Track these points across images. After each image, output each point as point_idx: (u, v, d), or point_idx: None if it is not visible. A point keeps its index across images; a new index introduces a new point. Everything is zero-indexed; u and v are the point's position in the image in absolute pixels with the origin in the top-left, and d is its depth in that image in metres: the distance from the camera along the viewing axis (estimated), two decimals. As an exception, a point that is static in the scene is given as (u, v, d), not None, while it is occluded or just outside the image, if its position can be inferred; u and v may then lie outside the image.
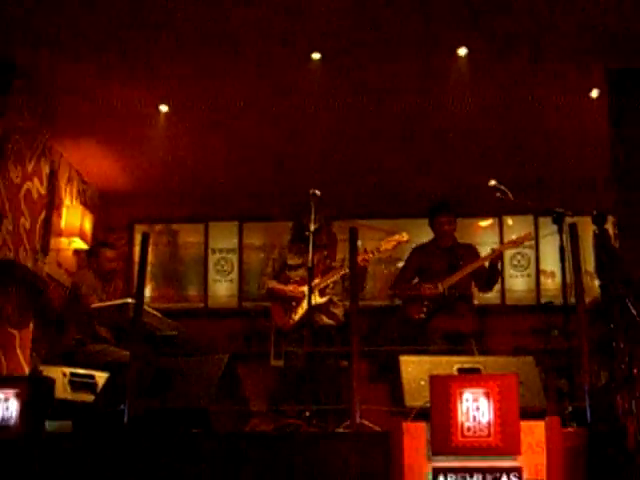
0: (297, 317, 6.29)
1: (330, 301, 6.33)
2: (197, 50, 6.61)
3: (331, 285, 6.34)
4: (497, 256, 6.48)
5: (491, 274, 6.58)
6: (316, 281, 6.25)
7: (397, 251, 8.43)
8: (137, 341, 5.11)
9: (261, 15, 6.17)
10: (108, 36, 6.41)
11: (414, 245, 6.98)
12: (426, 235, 6.89)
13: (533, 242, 9.22)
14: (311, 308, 5.94)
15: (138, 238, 9.35)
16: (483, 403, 3.97)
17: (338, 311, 6.38)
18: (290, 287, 6.42)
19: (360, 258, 5.94)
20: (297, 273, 6.46)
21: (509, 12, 6.06)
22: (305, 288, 6.17)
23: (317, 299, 6.25)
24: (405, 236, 6.33)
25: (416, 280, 6.72)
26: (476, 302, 6.97)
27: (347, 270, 6.20)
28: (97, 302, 6.48)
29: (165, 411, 4.56)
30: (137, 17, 6.18)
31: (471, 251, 6.73)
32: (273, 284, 6.54)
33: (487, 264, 6.53)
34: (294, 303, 6.35)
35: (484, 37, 6.40)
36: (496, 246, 6.48)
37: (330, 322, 6.33)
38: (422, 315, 6.48)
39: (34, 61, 6.75)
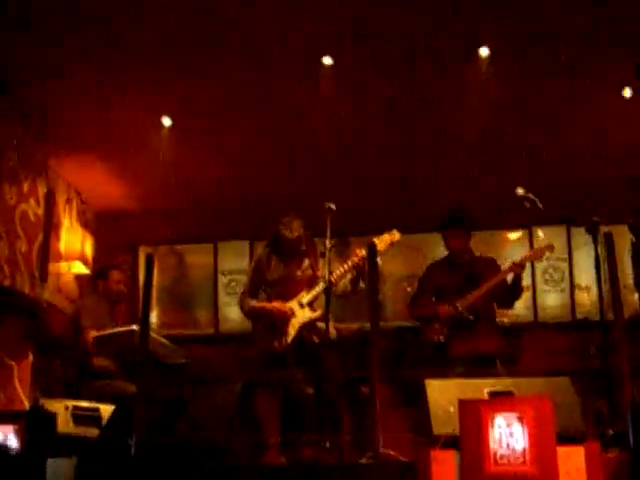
0: (290, 338, 6.16)
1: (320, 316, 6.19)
2: (205, 53, 6.55)
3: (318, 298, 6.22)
4: (518, 271, 6.43)
5: (512, 290, 6.54)
6: (304, 294, 6.22)
7: (416, 269, 8.42)
8: (144, 371, 5.12)
9: (269, 16, 6.16)
10: (106, 42, 6.39)
11: (431, 261, 6.99)
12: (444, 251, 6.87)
13: (566, 255, 9.19)
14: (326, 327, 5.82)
15: (142, 260, 9.39)
16: (517, 428, 3.94)
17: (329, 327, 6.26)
18: (276, 304, 6.28)
19: (357, 259, 6.01)
20: (278, 290, 6.39)
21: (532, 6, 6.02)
22: (292, 304, 6.20)
23: (307, 314, 6.17)
24: (396, 235, 6.24)
25: (434, 300, 6.70)
26: (506, 320, 6.92)
27: (333, 279, 6.02)
28: (97, 332, 6.50)
29: (175, 445, 4.55)
30: (134, 20, 6.19)
31: (491, 265, 6.66)
32: (253, 303, 6.42)
33: (509, 279, 6.48)
34: (282, 323, 6.22)
35: (505, 34, 6.38)
36: (516, 259, 6.43)
37: (318, 340, 6.17)
38: (441, 338, 6.45)
39: (25, 76, 6.75)
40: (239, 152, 8.01)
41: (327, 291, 5.74)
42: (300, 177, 8.31)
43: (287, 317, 6.20)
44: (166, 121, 7.54)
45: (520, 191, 5.88)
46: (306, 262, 6.32)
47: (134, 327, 5.99)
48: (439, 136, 7.71)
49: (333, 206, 5.86)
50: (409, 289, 9.29)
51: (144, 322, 5.11)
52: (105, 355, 6.43)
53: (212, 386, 5.60)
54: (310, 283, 6.26)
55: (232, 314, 9.69)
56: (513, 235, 8.23)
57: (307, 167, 8.18)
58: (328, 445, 5.34)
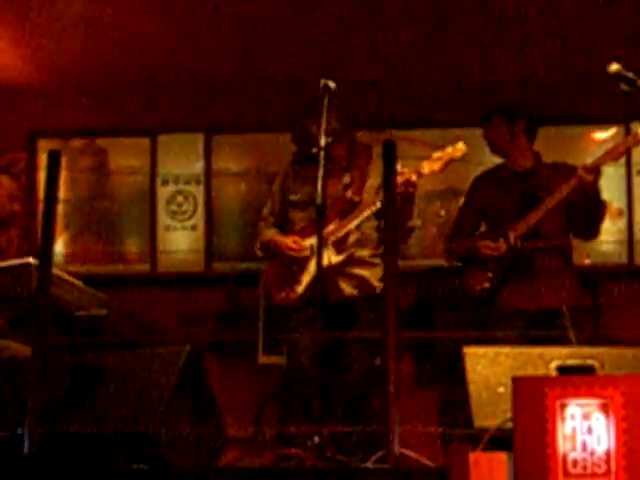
0: (301, 288, 6.27)
1: (351, 260, 6.30)
2: None
3: (358, 233, 6.30)
4: (588, 179, 6.37)
5: (588, 210, 6.51)
6: (330, 227, 6.23)
7: (458, 180, 8.46)
8: (43, 326, 5.14)
9: None
10: None
11: (478, 173, 7.03)
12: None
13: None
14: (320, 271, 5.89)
15: (43, 160, 9.38)
16: (599, 421, 3.97)
17: (370, 274, 6.32)
18: (289, 240, 6.38)
19: (400, 180, 5.88)
20: (303, 215, 6.40)
21: None
22: (312, 240, 6.12)
23: (331, 258, 6.23)
24: (461, 148, 6.27)
25: (483, 228, 6.72)
26: (586, 261, 6.94)
27: (373, 208, 6.17)
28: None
29: (88, 437, 4.59)
30: None
31: (563, 174, 6.58)
32: (270, 235, 6.54)
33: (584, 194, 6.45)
34: (295, 267, 6.34)
35: None
36: (587, 162, 6.41)
37: (354, 292, 6.32)
38: (486, 285, 6.49)
39: None
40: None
41: (319, 216, 5.72)
42: (280, 41, 8.28)
43: (302, 258, 6.28)
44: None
45: (615, 67, 5.85)
46: (345, 178, 6.34)
47: (30, 260, 6.00)
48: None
49: (332, 84, 5.84)
50: (443, 212, 9.32)
51: (45, 253, 5.12)
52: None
53: (145, 350, 5.63)
54: (346, 210, 6.28)
55: (177, 244, 9.79)
56: (601, 134, 8.19)
57: (290, 27, 8.15)
58: (318, 441, 5.40)
